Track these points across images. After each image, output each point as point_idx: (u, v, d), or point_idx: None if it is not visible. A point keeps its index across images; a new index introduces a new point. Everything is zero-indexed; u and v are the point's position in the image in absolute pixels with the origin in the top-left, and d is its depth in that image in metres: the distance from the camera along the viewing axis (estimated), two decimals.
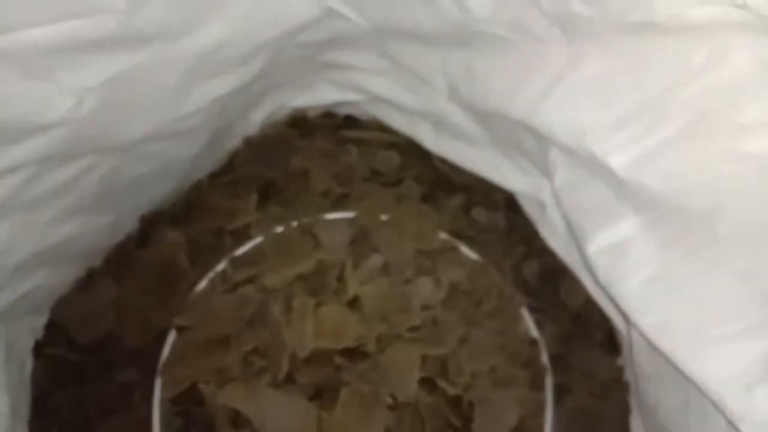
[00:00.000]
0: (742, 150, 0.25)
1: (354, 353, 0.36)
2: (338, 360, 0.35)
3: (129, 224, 0.46)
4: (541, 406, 0.37)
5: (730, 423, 0.25)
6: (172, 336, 0.39)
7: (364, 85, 0.44)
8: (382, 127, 0.48)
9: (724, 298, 0.27)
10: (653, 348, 0.31)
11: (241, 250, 0.41)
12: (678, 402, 0.30)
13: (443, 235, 0.42)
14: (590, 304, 0.41)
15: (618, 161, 0.29)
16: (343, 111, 0.49)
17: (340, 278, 0.38)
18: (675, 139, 0.27)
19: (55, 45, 0.28)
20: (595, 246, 0.32)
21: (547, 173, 0.37)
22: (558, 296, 0.42)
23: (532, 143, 0.36)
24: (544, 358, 0.39)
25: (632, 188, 0.30)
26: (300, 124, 0.49)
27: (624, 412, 0.41)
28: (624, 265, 0.31)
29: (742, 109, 0.26)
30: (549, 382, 0.38)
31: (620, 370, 0.41)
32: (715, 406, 0.26)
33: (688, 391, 0.29)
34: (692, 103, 0.27)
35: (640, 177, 0.29)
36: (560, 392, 0.39)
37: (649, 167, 0.29)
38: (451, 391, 0.35)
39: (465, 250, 0.42)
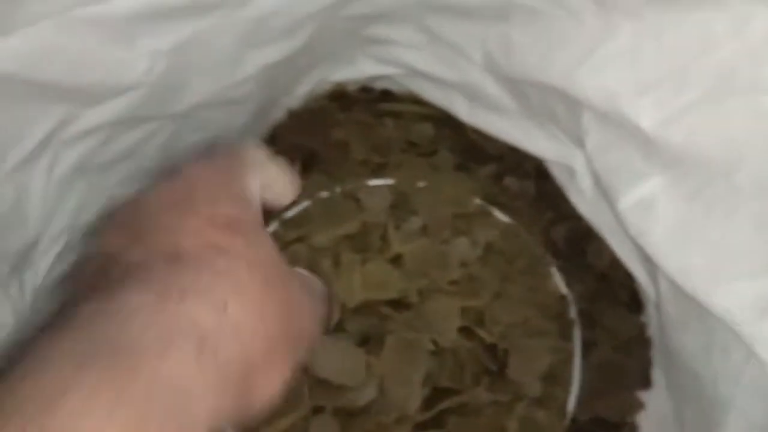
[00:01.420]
0: (760, 107, 0.28)
1: (398, 304, 0.39)
2: (384, 310, 0.38)
3: None
4: (569, 355, 0.40)
5: (749, 347, 0.28)
6: None
7: (402, 59, 0.47)
8: (417, 100, 0.50)
9: (740, 242, 0.29)
10: (678, 296, 0.34)
11: (290, 213, 0.44)
12: (701, 343, 0.33)
13: (477, 200, 0.45)
14: (615, 265, 0.44)
15: (647, 122, 0.32)
16: (380, 85, 0.52)
17: (383, 238, 0.41)
18: (698, 100, 0.30)
19: (135, 12, 0.31)
20: (625, 203, 0.35)
21: (577, 141, 0.40)
22: (584, 258, 0.45)
23: (564, 111, 0.39)
24: (573, 312, 0.42)
25: (659, 147, 0.32)
26: (340, 97, 0.51)
27: (646, 365, 0.43)
28: (651, 218, 0.33)
29: (761, 71, 0.28)
30: (577, 333, 0.41)
31: (643, 327, 0.44)
32: (734, 335, 0.29)
33: (713, 330, 0.31)
34: (715, 67, 0.29)
35: (666, 135, 0.31)
36: (587, 346, 0.42)
37: (674, 126, 0.31)
38: (488, 338, 0.38)
39: (498, 213, 0.44)
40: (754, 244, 0.29)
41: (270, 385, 0.24)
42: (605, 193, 0.37)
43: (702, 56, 0.30)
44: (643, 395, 0.43)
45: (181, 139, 0.43)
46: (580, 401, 0.40)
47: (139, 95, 0.35)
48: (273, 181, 0.29)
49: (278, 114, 0.50)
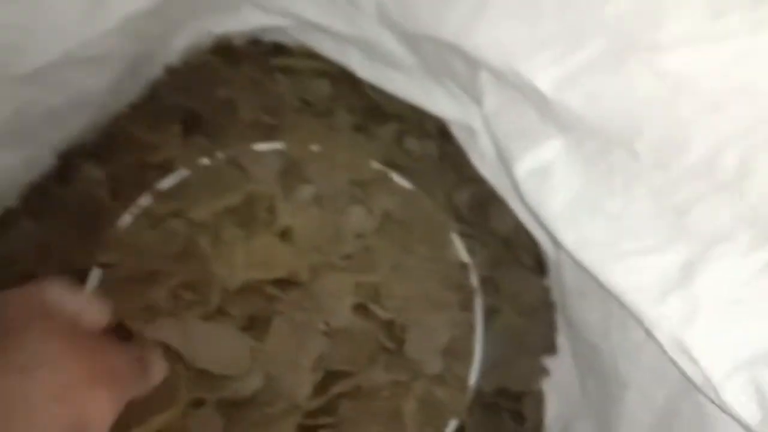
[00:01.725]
0: (660, 67, 0.26)
1: (286, 283, 0.36)
2: (270, 290, 0.35)
3: (46, 161, 0.44)
4: (471, 326, 0.39)
5: (648, 332, 0.27)
6: (95, 274, 0.37)
7: (291, 9, 0.42)
8: (312, 55, 0.46)
9: (639, 215, 0.28)
10: (577, 265, 0.32)
11: (165, 183, 0.39)
12: (600, 315, 0.31)
13: (376, 165, 0.42)
14: (519, 229, 0.42)
15: (544, 81, 0.29)
16: (271, 38, 0.47)
17: (270, 210, 0.38)
18: (596, 58, 0.28)
19: None
20: (522, 168, 0.33)
21: (477, 99, 0.37)
22: (488, 222, 0.43)
23: (462, 68, 0.36)
24: (474, 281, 0.40)
25: (557, 110, 0.30)
26: (225, 51, 0.46)
27: (550, 330, 0.42)
28: (549, 186, 0.31)
29: (660, 26, 0.26)
30: (479, 304, 0.39)
31: (547, 291, 0.43)
32: (633, 314, 0.27)
33: (610, 304, 0.30)
34: (612, 22, 0.27)
35: (564, 98, 0.29)
36: (490, 313, 0.41)
37: (572, 88, 0.29)
38: (384, 315, 0.36)
39: (397, 179, 0.41)
40: (654, 217, 0.27)
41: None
42: (502, 158, 0.34)
43: (599, 9, 0.28)
44: (548, 361, 0.42)
45: (37, 104, 0.38)
46: (484, 372, 0.39)
47: None
48: (82, 311, 0.29)
49: (155, 71, 0.45)
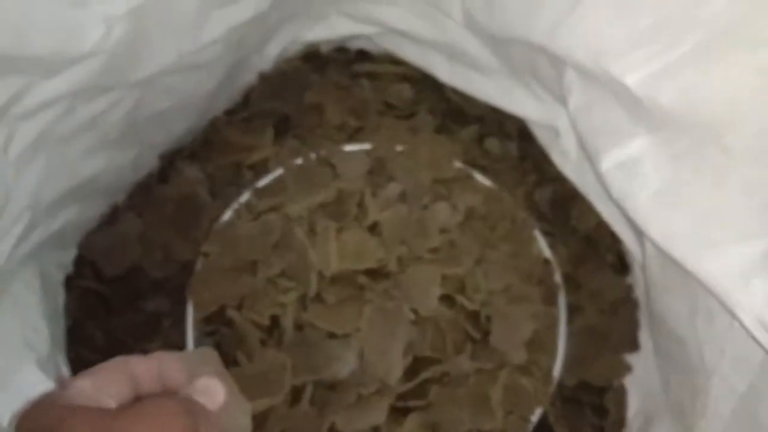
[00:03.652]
0: (758, 63, 0.26)
1: (376, 273, 0.37)
2: (362, 280, 0.37)
3: (150, 161, 0.47)
4: (554, 321, 0.39)
5: (733, 314, 0.27)
6: (200, 262, 0.40)
7: (378, 17, 0.44)
8: (395, 60, 0.48)
9: (727, 208, 0.28)
10: (664, 260, 0.33)
11: (263, 182, 0.42)
12: (686, 307, 0.32)
13: (458, 164, 0.43)
14: (601, 227, 0.43)
15: (634, 79, 0.30)
16: (356, 45, 0.50)
17: (360, 205, 0.40)
18: (692, 55, 0.28)
19: None
20: (607, 163, 0.33)
21: (561, 99, 0.38)
22: (569, 221, 0.44)
23: (547, 69, 0.37)
24: (557, 277, 0.41)
25: (646, 106, 0.31)
26: (313, 58, 0.49)
27: (633, 328, 0.43)
28: (635, 179, 0.32)
29: (760, 24, 0.27)
30: (562, 298, 0.40)
31: (629, 289, 0.43)
32: (719, 300, 0.28)
33: (696, 295, 0.30)
34: (711, 19, 0.27)
35: (655, 94, 0.30)
36: (572, 310, 0.41)
37: (664, 84, 0.30)
38: (469, 306, 0.37)
39: (479, 177, 0.43)
40: (743, 209, 0.28)
41: None
42: (587, 155, 0.35)
43: (697, 6, 0.29)
44: (630, 358, 0.42)
45: (147, 107, 0.41)
46: (566, 366, 0.40)
47: (97, 63, 0.33)
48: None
49: (249, 77, 0.48)
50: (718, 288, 0.27)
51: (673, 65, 0.29)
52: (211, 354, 0.29)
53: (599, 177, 0.34)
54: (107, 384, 0.25)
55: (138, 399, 0.26)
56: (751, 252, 0.27)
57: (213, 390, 0.27)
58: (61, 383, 0.27)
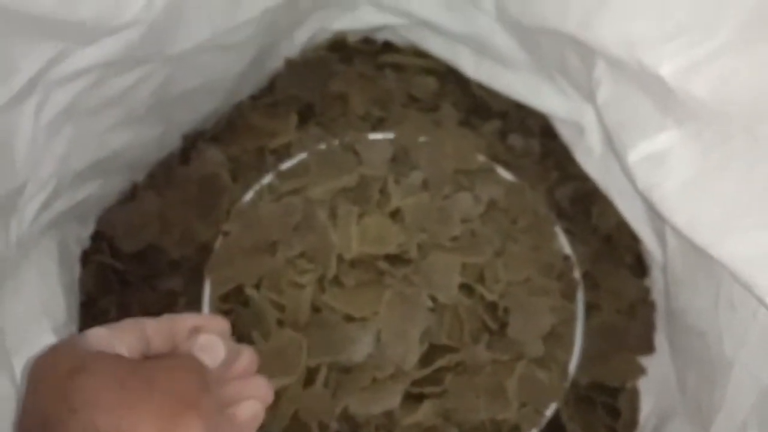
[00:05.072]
0: None
1: (396, 259, 0.37)
2: (382, 265, 0.37)
3: (173, 141, 0.48)
4: (572, 316, 0.39)
5: (760, 300, 0.27)
6: (220, 241, 0.40)
7: (407, 7, 0.45)
8: (420, 53, 0.49)
9: (755, 195, 0.28)
10: (686, 254, 0.33)
11: (287, 164, 0.42)
12: (708, 301, 0.32)
13: (481, 157, 0.43)
14: (621, 228, 0.43)
15: (668, 70, 0.30)
16: (382, 37, 0.50)
17: (383, 191, 0.40)
18: (727, 45, 0.28)
19: None
20: (635, 156, 0.33)
21: (588, 96, 0.38)
22: (589, 219, 0.44)
23: (576, 62, 0.37)
24: (576, 273, 0.40)
25: (678, 97, 0.31)
26: (340, 48, 0.49)
27: (648, 329, 0.43)
28: (662, 170, 0.32)
29: None
30: (580, 294, 0.40)
31: (647, 291, 0.43)
32: (744, 286, 0.28)
33: (718, 288, 0.30)
34: (746, 7, 0.27)
35: (688, 85, 0.30)
36: (589, 309, 0.41)
37: (699, 74, 0.30)
38: (488, 296, 0.37)
39: (501, 171, 0.43)
40: None
41: None
42: (614, 148, 0.35)
43: None
44: (645, 360, 0.42)
45: (176, 85, 0.41)
46: (580, 364, 0.39)
47: (135, 34, 0.33)
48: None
49: (276, 64, 0.48)
50: (744, 274, 0.27)
51: (708, 55, 0.29)
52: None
53: (625, 170, 0.34)
54: (122, 336, 0.26)
55: (148, 358, 0.26)
56: None
57: (214, 347, 0.27)
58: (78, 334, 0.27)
